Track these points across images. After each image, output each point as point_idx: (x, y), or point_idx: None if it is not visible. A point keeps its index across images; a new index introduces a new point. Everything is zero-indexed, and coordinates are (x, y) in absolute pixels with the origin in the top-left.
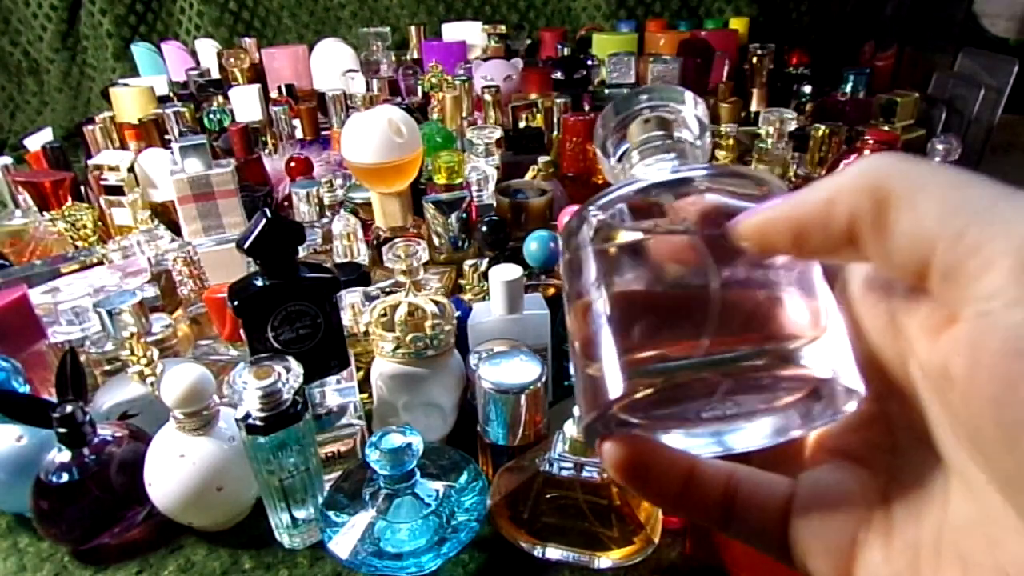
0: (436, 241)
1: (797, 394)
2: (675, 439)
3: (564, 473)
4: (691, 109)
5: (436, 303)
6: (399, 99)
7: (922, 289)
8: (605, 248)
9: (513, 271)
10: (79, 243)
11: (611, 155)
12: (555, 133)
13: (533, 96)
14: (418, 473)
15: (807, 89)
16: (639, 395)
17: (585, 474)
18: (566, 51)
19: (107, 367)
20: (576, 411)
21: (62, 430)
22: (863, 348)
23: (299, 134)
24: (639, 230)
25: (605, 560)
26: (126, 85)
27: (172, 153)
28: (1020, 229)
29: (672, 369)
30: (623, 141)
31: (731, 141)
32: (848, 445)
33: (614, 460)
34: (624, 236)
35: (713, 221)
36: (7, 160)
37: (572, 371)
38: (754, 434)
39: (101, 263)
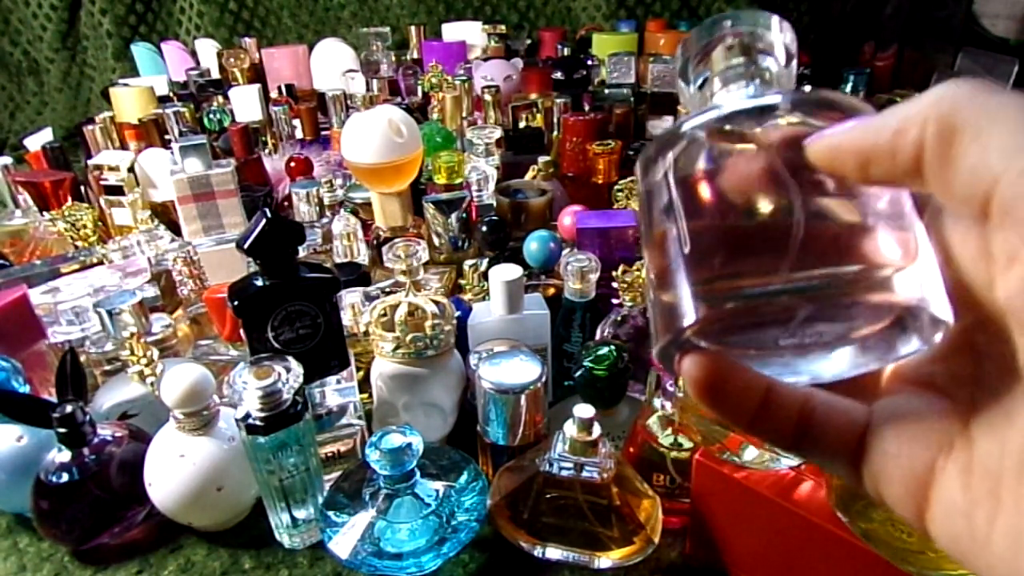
0: (436, 241)
1: (881, 323)
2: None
3: (564, 473)
4: (778, 35)
5: (436, 303)
6: (399, 99)
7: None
8: (683, 176)
9: (513, 271)
10: (79, 243)
11: (691, 82)
12: (555, 133)
13: (533, 96)
14: (418, 473)
15: (807, 89)
16: (714, 318)
17: (585, 474)
18: (566, 51)
19: (107, 367)
20: (652, 337)
21: (62, 430)
22: (952, 276)
23: (299, 134)
24: (718, 157)
25: (605, 560)
26: (126, 85)
27: (172, 153)
28: None
29: (750, 296)
30: (705, 68)
31: None
32: (929, 375)
33: (693, 376)
34: (702, 163)
35: (796, 147)
36: (7, 160)
37: (648, 301)
38: (833, 364)
39: (101, 263)
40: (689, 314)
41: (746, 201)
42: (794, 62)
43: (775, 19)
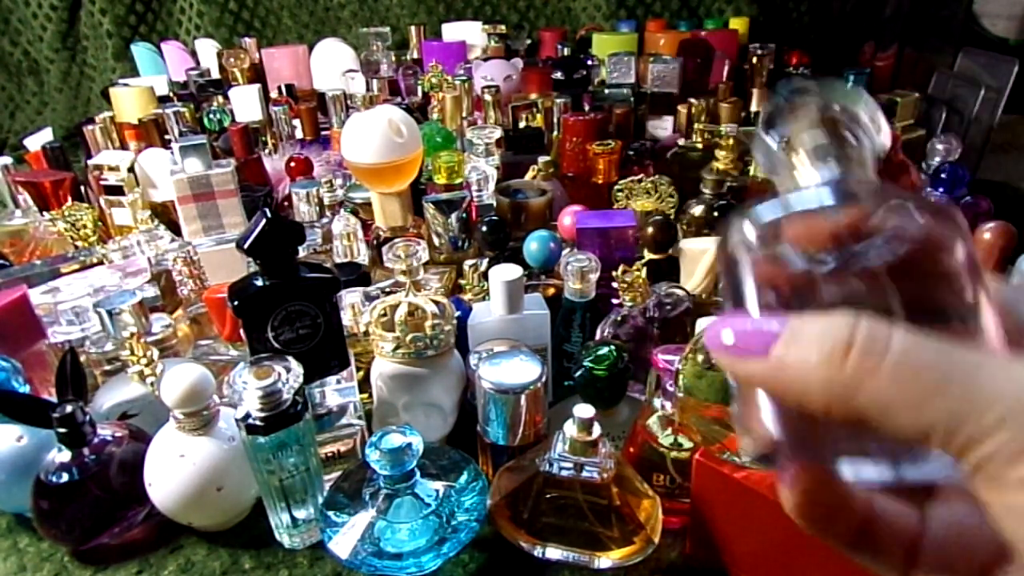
0: (436, 241)
1: None
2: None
3: (564, 473)
4: (869, 112)
5: (436, 303)
6: (399, 99)
7: None
8: (772, 268)
9: (513, 271)
10: (79, 243)
11: (773, 137)
12: (555, 133)
13: (533, 96)
14: (418, 473)
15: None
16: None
17: (585, 474)
18: (566, 51)
19: (107, 367)
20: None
21: (62, 430)
22: None
23: (299, 134)
24: (809, 260)
25: (605, 560)
26: (126, 85)
27: (172, 153)
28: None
29: None
30: (785, 126)
31: (731, 141)
32: None
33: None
34: (793, 259)
35: (895, 242)
36: (7, 160)
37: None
38: (933, 467)
39: (101, 263)
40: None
41: (835, 301)
42: (884, 134)
43: (867, 99)
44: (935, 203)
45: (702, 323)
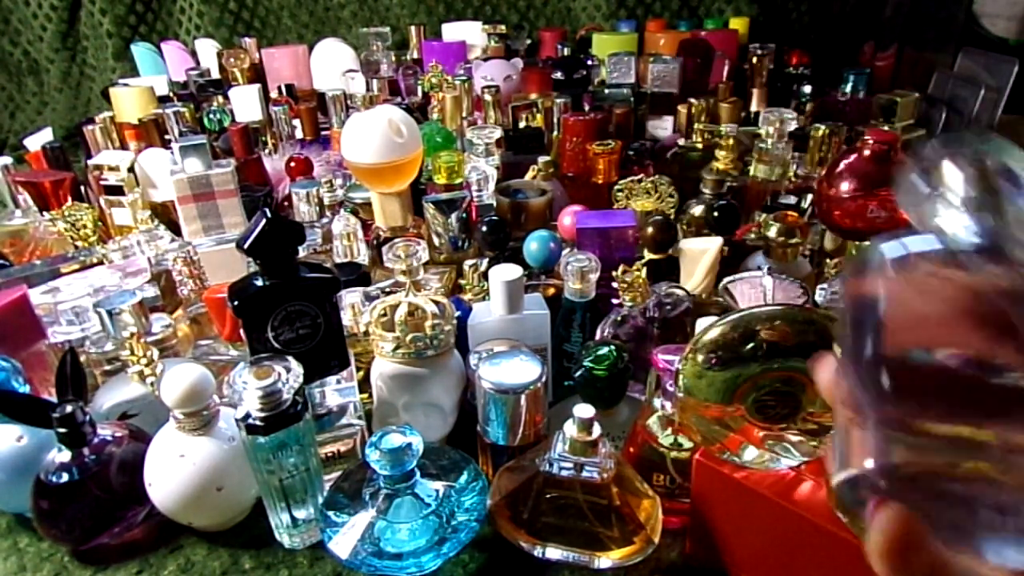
0: (436, 241)
1: None
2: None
3: (564, 473)
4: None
5: (436, 303)
6: (399, 99)
7: None
8: (904, 312)
9: (513, 271)
10: (79, 243)
11: (922, 181)
12: (555, 133)
13: (533, 96)
14: (418, 473)
15: (807, 89)
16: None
17: (585, 474)
18: (566, 51)
19: (107, 367)
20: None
21: (62, 430)
22: None
23: (299, 134)
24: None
25: (605, 560)
26: (126, 85)
27: (172, 153)
28: None
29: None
30: (933, 170)
31: (731, 141)
32: None
33: (885, 530)
34: (926, 308)
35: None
36: (7, 160)
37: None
38: None
39: (101, 263)
40: (880, 456)
41: (963, 351)
42: None
43: (1019, 152)
44: None
45: (702, 323)
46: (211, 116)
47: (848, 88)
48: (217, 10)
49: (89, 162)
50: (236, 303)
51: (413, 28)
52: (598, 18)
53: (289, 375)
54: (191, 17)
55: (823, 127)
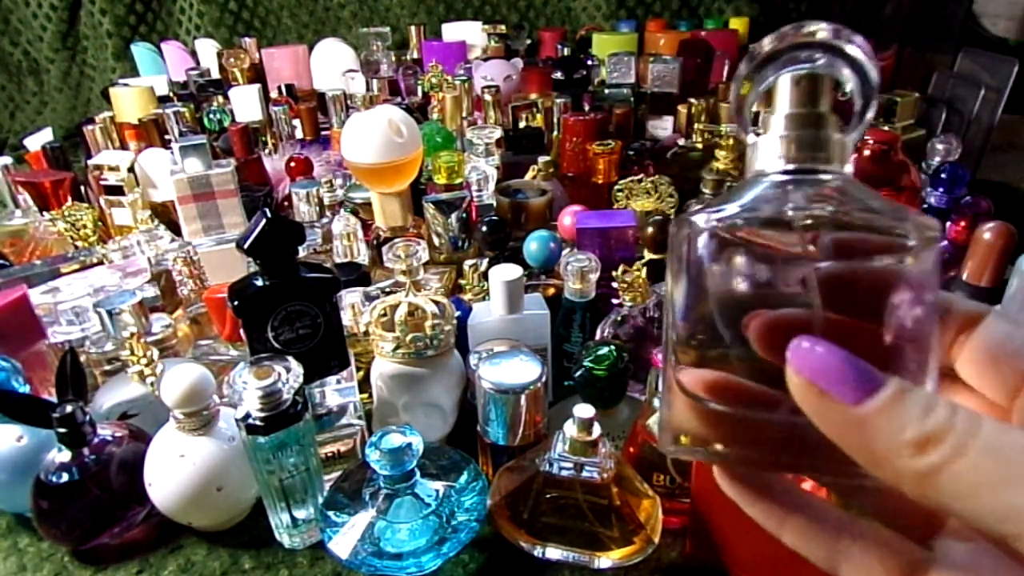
0: (436, 241)
1: None
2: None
3: (564, 473)
4: (863, 73)
5: (436, 303)
6: (399, 99)
7: None
8: (715, 261)
9: (513, 271)
10: (79, 243)
11: (747, 109)
12: (555, 133)
13: (533, 96)
14: (418, 473)
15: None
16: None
17: (585, 474)
18: (566, 51)
19: (107, 367)
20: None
21: (62, 430)
22: None
23: (299, 134)
24: (755, 256)
25: (605, 560)
26: (126, 85)
27: (172, 153)
28: None
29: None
30: (762, 89)
31: (731, 141)
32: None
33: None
34: (738, 261)
35: (838, 253)
36: (7, 160)
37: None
38: None
39: (101, 263)
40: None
41: (772, 298)
42: (873, 105)
43: (865, 62)
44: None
45: None
46: (211, 116)
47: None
48: (217, 10)
49: (89, 162)
50: (236, 303)
51: (413, 28)
52: (598, 18)
53: (289, 375)
54: (191, 17)
55: None
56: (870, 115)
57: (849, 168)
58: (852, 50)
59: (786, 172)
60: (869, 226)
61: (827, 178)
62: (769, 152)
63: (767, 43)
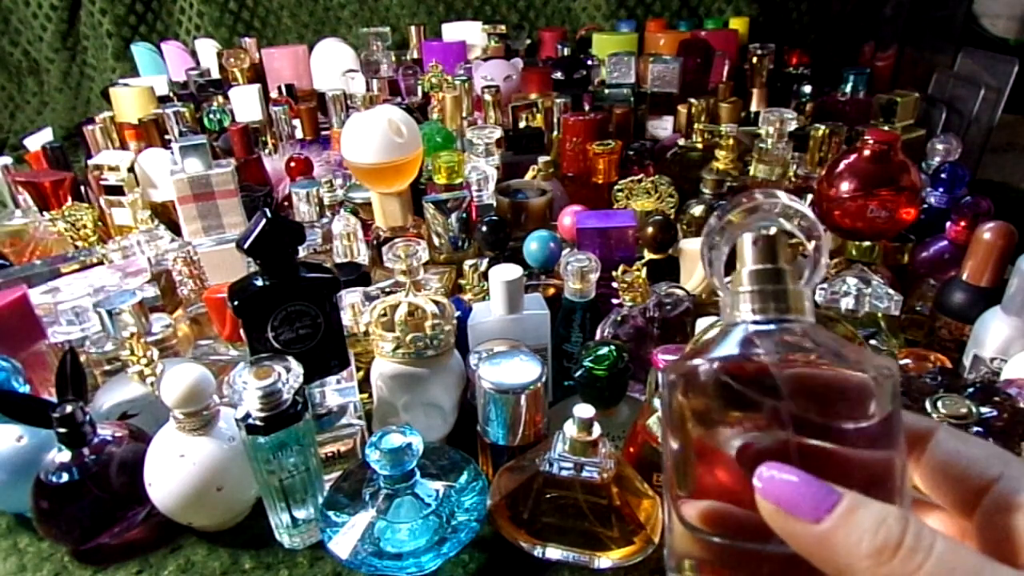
0: (436, 241)
1: None
2: None
3: (564, 473)
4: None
5: (436, 303)
6: (399, 99)
7: None
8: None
9: (513, 271)
10: (79, 243)
11: (716, 260)
12: (555, 133)
13: (533, 96)
14: (418, 473)
15: (807, 89)
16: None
17: (585, 474)
18: (566, 51)
19: (107, 367)
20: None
21: (62, 430)
22: None
23: (299, 134)
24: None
25: (605, 560)
26: (126, 85)
27: (172, 153)
28: None
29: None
30: (729, 239)
31: (731, 141)
32: None
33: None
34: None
35: (804, 398)
36: (7, 160)
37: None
38: None
39: (101, 263)
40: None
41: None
42: (821, 244)
43: (814, 225)
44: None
45: (702, 323)
46: (211, 116)
47: (848, 88)
48: (217, 10)
49: (89, 162)
50: (236, 303)
51: (413, 28)
52: (598, 18)
53: (289, 375)
54: (191, 17)
55: (823, 127)
56: (824, 258)
57: (811, 317)
58: (787, 200)
59: (755, 323)
60: (833, 363)
61: (790, 326)
62: (738, 303)
63: (721, 214)
